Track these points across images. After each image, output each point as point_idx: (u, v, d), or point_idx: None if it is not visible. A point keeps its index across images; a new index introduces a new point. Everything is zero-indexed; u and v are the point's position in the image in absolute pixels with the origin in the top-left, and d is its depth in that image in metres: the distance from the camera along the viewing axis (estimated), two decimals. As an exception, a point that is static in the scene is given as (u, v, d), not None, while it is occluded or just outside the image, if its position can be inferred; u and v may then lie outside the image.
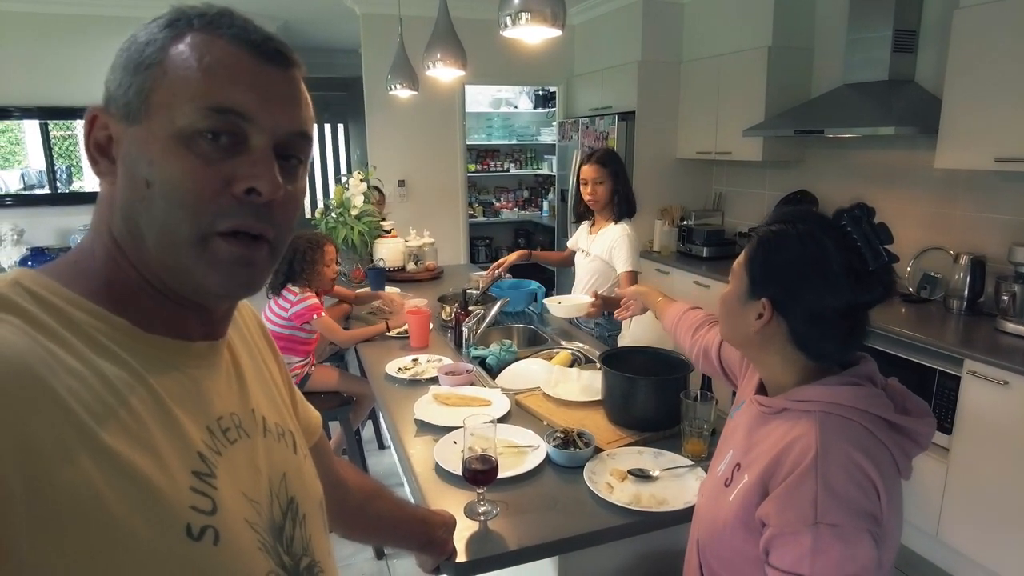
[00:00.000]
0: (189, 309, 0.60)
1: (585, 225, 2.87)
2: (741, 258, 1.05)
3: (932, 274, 2.96)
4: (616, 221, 2.69)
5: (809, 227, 0.98)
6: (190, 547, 0.50)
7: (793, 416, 0.96)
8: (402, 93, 3.43)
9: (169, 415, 0.54)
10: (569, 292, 2.97)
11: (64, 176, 4.72)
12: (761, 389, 1.09)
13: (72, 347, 0.49)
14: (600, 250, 2.70)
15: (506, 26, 1.58)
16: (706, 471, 1.40)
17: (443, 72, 2.57)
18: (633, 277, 2.59)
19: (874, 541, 0.85)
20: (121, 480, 0.47)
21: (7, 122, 4.53)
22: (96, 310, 0.53)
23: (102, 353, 0.51)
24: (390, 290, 3.17)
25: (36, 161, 4.65)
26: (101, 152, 0.57)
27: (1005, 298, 2.54)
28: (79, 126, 4.64)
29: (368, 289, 3.22)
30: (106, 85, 0.57)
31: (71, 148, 4.71)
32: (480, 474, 1.24)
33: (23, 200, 4.61)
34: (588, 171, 2.65)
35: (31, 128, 4.59)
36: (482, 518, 1.28)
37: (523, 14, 1.53)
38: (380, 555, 2.67)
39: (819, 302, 0.95)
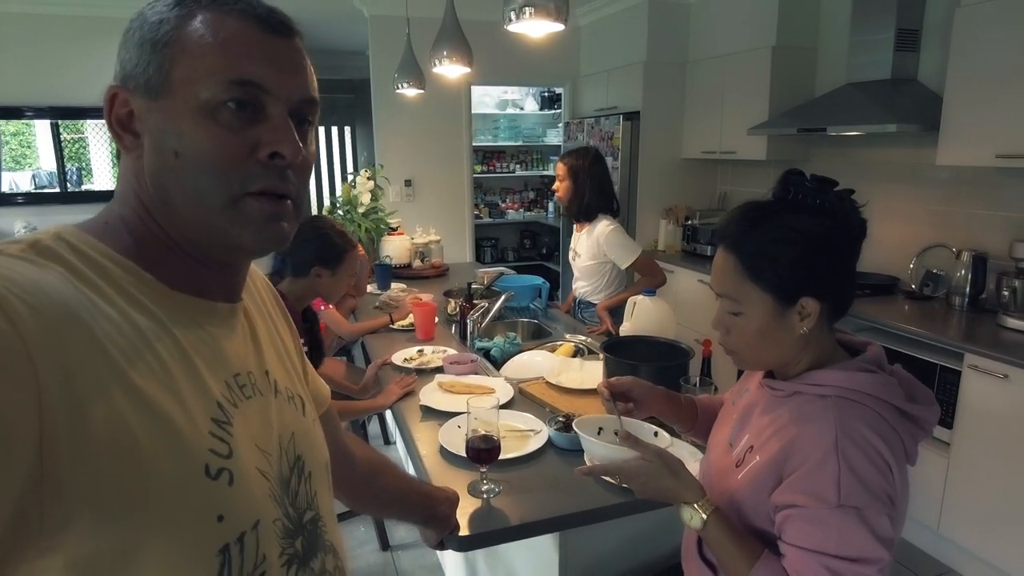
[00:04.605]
0: (213, 271, 0.64)
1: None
2: (741, 287, 1.00)
3: (935, 271, 2.98)
4: (577, 221, 2.77)
5: (774, 216, 1.00)
6: (208, 485, 0.54)
7: (805, 400, 0.98)
8: (409, 92, 3.47)
9: (191, 365, 0.58)
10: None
11: (74, 177, 4.79)
12: (768, 374, 1.10)
13: (108, 296, 0.53)
14: (586, 252, 2.76)
15: (510, 20, 1.61)
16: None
17: (449, 69, 2.61)
18: (647, 258, 2.69)
19: (891, 522, 0.88)
20: (148, 418, 0.51)
21: (19, 123, 4.61)
22: (128, 265, 0.57)
23: (133, 304, 0.55)
24: (396, 286, 3.21)
25: (47, 163, 4.72)
26: (123, 127, 0.60)
27: (1006, 294, 2.56)
28: (89, 127, 4.72)
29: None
30: (121, 64, 0.59)
31: (81, 150, 4.78)
32: (483, 452, 1.28)
33: (34, 199, 4.68)
34: (557, 168, 2.76)
35: (42, 130, 4.66)
36: (485, 496, 1.32)
37: (527, 8, 1.57)
38: (385, 546, 2.71)
39: (834, 263, 0.98)
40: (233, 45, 0.57)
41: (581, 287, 2.88)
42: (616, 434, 1.19)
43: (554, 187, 2.77)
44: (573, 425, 1.23)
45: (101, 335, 0.50)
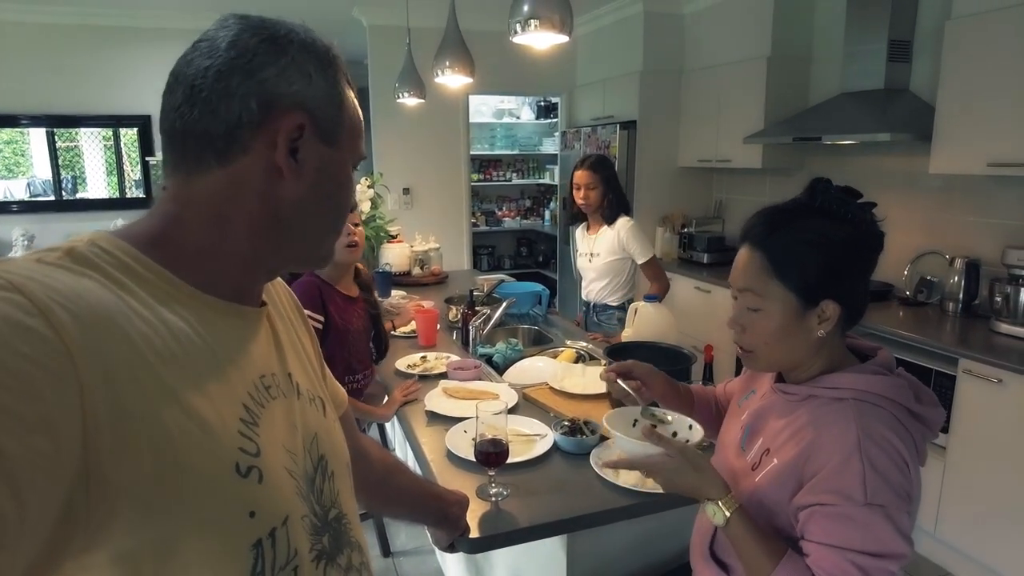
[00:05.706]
0: (250, 277, 0.68)
1: (580, 229, 2.98)
2: (766, 284, 1.02)
3: (928, 277, 3.03)
4: (609, 223, 2.81)
5: (800, 219, 1.03)
6: (239, 482, 0.57)
7: (822, 403, 1.00)
8: (410, 101, 3.50)
9: (220, 366, 0.60)
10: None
11: (69, 186, 4.79)
12: (778, 378, 1.12)
13: (141, 299, 0.56)
14: (606, 250, 2.79)
15: (516, 32, 1.64)
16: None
17: (452, 79, 2.64)
18: (655, 262, 2.79)
19: (910, 518, 0.91)
20: (181, 416, 0.53)
21: (13, 131, 4.62)
22: (160, 271, 0.59)
23: (166, 307, 0.57)
24: (396, 294, 3.23)
25: (41, 171, 4.72)
26: (288, 151, 0.64)
27: (999, 299, 2.60)
28: (84, 136, 4.74)
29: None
30: (299, 94, 0.64)
31: (75, 159, 4.79)
32: (492, 455, 1.30)
33: (30, 207, 4.68)
34: (581, 176, 2.77)
35: (37, 138, 4.66)
36: (494, 499, 1.33)
37: (532, 21, 1.59)
38: (386, 553, 2.71)
39: (856, 270, 1.02)
40: (361, 126, 0.73)
41: (596, 288, 2.90)
42: (639, 417, 1.25)
43: (579, 196, 2.78)
44: (603, 420, 1.26)
45: (137, 337, 0.52)
